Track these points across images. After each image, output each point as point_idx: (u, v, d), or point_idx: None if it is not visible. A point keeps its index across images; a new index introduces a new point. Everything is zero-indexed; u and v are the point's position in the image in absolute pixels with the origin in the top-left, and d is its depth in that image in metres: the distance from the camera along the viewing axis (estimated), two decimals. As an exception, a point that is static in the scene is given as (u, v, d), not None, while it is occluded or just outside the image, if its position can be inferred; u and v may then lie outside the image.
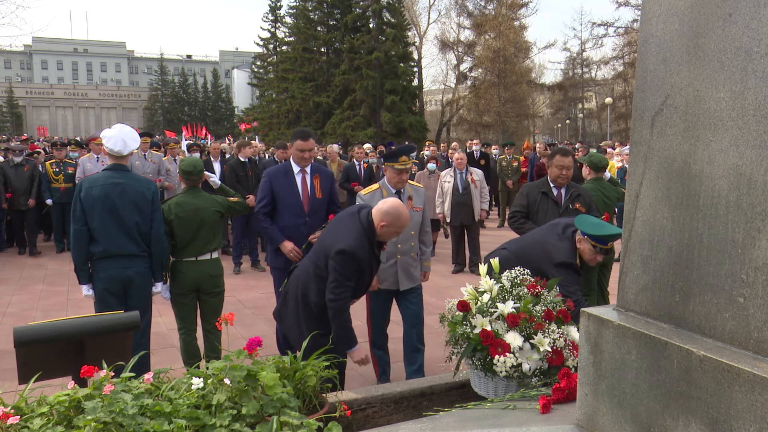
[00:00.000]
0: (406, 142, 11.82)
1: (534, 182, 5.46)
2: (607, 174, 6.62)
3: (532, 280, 3.37)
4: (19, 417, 2.01)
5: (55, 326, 2.67)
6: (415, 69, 36.56)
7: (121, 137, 4.04)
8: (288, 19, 41.40)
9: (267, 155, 14.68)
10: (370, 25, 34.21)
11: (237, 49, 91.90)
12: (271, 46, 44.66)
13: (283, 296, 3.70)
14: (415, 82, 36.10)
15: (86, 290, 4.05)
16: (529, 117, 41.46)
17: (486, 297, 3.22)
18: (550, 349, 3.02)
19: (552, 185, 4.88)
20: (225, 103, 76.95)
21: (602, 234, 3.78)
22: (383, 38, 33.12)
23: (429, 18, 42.30)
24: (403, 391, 3.38)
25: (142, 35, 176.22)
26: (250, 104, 55.03)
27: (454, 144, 16.69)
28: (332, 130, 32.60)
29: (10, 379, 3.47)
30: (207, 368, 2.38)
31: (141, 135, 8.07)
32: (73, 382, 2.32)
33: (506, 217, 12.47)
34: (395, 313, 4.63)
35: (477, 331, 3.05)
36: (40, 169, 10.11)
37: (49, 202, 9.83)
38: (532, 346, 3.04)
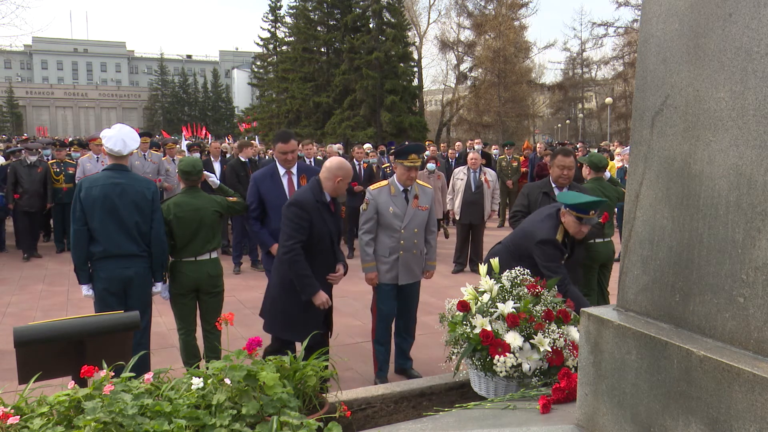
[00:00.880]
0: (406, 142, 11.81)
1: (536, 182, 5.50)
2: (607, 174, 6.62)
3: (532, 280, 3.37)
4: (19, 417, 2.01)
5: (55, 326, 2.67)
6: (415, 69, 36.57)
7: (120, 137, 4.04)
8: (288, 19, 41.43)
9: (267, 155, 14.67)
10: (370, 25, 34.22)
11: (237, 49, 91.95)
12: (271, 46, 44.66)
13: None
14: (415, 82, 36.11)
15: (86, 290, 4.04)
16: (529, 117, 41.47)
17: (486, 297, 3.22)
18: (550, 349, 3.02)
19: (554, 185, 4.93)
20: (225, 103, 76.94)
21: (581, 202, 3.80)
22: (383, 38, 33.12)
23: (429, 18, 42.35)
24: (403, 391, 3.38)
25: (142, 35, 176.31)
26: (250, 104, 55.01)
27: (468, 143, 16.69)
28: (332, 130, 32.60)
29: (10, 379, 3.47)
30: (207, 368, 2.38)
31: (141, 135, 8.06)
32: (73, 382, 2.33)
33: (506, 217, 12.51)
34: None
35: (477, 331, 3.05)
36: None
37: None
38: (532, 346, 3.04)
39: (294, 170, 4.78)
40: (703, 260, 1.98)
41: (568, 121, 50.91)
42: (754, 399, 1.69)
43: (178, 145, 13.13)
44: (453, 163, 12.96)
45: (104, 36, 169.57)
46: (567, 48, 53.63)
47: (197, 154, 10.92)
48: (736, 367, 1.74)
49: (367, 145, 13.65)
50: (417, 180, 4.58)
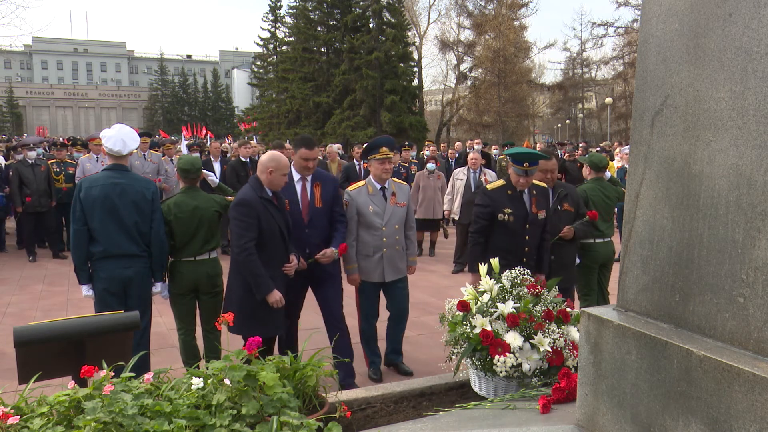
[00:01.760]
0: (406, 142, 11.82)
1: None
2: (608, 174, 6.62)
3: (532, 280, 3.37)
4: (19, 417, 2.01)
5: (55, 326, 2.67)
6: (415, 69, 36.54)
7: (120, 137, 4.04)
8: (288, 19, 41.43)
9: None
10: (370, 25, 34.20)
11: (237, 49, 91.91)
12: (271, 46, 44.66)
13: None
14: (415, 82, 36.08)
15: (86, 290, 4.04)
16: (529, 117, 41.47)
17: (486, 297, 3.22)
18: (550, 349, 3.02)
19: None
20: (225, 103, 76.92)
21: (515, 152, 4.26)
22: (383, 38, 33.11)
23: (429, 18, 42.34)
24: (403, 391, 3.38)
25: (142, 35, 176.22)
26: (250, 104, 55.00)
27: (468, 143, 16.68)
28: (332, 130, 32.58)
29: (10, 379, 3.46)
30: (207, 368, 2.37)
31: (141, 135, 8.07)
32: (73, 382, 2.32)
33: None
34: (384, 313, 4.75)
35: (477, 331, 3.05)
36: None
37: None
38: (532, 346, 3.04)
39: (309, 177, 4.47)
40: (703, 260, 1.98)
41: (568, 121, 50.92)
42: (754, 399, 1.69)
43: (177, 146, 13.12)
44: (453, 163, 12.95)
45: (104, 36, 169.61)
46: (567, 48, 53.71)
47: (197, 154, 10.92)
48: (736, 367, 1.74)
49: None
50: (392, 178, 4.62)
